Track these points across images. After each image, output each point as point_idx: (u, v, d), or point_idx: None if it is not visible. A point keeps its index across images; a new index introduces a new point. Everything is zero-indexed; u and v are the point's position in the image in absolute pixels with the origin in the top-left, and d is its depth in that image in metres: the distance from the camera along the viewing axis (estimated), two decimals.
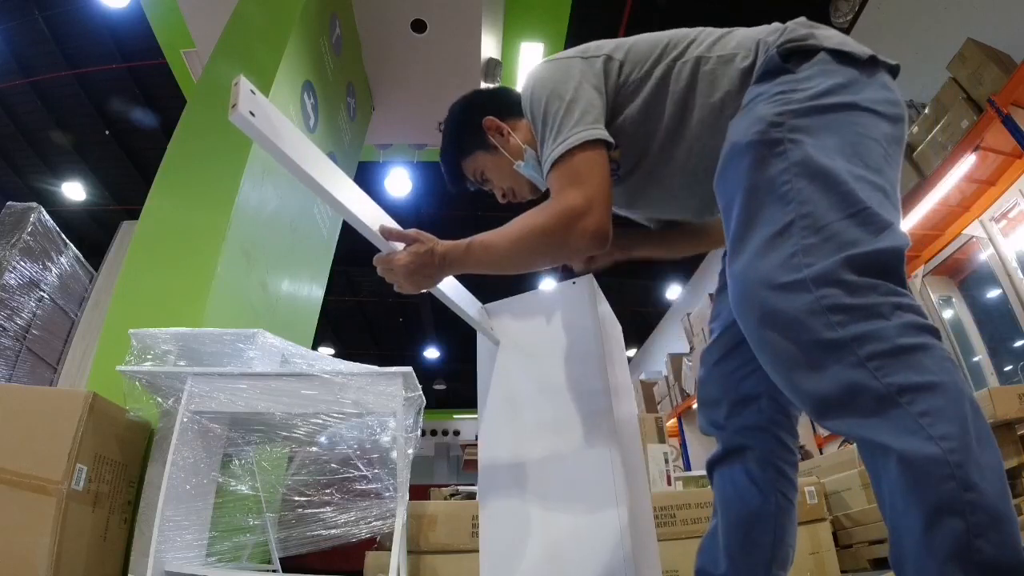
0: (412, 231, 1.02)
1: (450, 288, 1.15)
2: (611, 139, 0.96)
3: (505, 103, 1.18)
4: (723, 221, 0.87)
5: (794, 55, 0.89)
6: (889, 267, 0.73)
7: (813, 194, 0.76)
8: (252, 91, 0.77)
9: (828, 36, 0.92)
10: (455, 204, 6.63)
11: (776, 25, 0.98)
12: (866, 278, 0.71)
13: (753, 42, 0.96)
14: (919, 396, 0.65)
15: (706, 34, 1.02)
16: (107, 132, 6.41)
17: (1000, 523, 0.62)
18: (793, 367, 0.73)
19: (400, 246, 1.02)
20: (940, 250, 3.81)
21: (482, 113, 1.16)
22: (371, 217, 1.00)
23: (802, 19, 0.96)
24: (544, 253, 0.96)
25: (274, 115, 0.81)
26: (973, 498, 0.62)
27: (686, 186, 1.06)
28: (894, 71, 0.92)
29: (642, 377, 7.03)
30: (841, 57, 0.87)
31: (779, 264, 0.74)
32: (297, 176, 0.87)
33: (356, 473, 1.73)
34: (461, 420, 13.25)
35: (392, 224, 1.03)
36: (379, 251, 1.04)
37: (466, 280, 1.21)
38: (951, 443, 0.63)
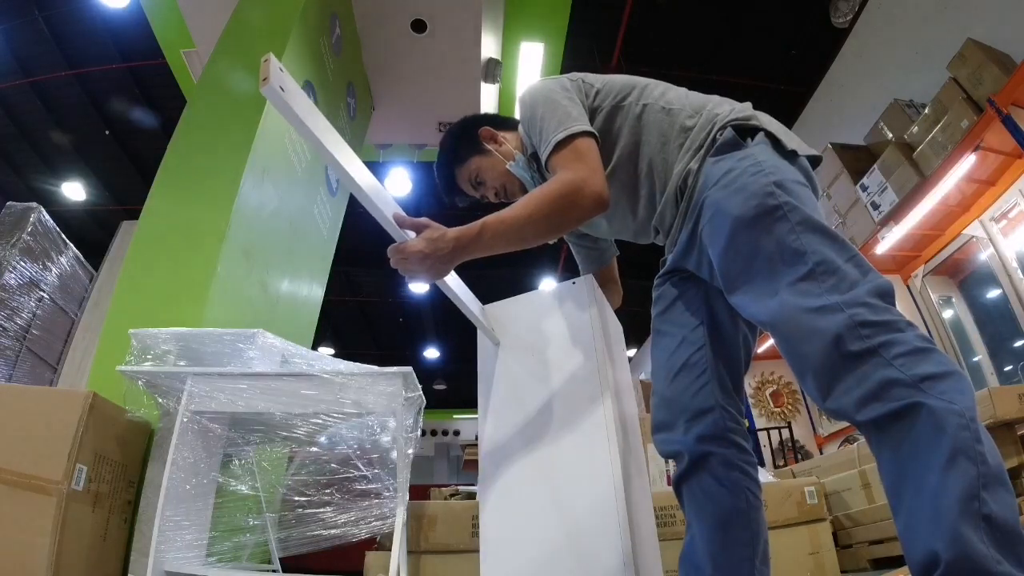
0: (423, 219, 1.05)
1: (455, 284, 1.16)
2: (599, 137, 1.13)
3: (497, 119, 1.38)
4: (732, 279, 1.01)
5: (741, 132, 1.09)
6: (890, 295, 0.89)
7: (820, 245, 0.93)
8: (281, 69, 0.79)
9: (769, 120, 1.13)
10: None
11: (719, 98, 1.19)
12: (880, 301, 0.87)
13: (700, 106, 1.16)
14: (938, 382, 0.79)
15: (664, 87, 1.23)
16: (107, 132, 6.39)
17: (1002, 484, 0.73)
18: (831, 374, 0.85)
19: (412, 235, 1.03)
20: (940, 250, 3.82)
21: (478, 126, 1.33)
22: (385, 204, 1.00)
23: (747, 103, 1.18)
24: (556, 218, 1.06)
25: (299, 93, 0.84)
26: (983, 450, 0.74)
27: (630, 206, 1.23)
28: (814, 161, 1.13)
29: (642, 377, 7.01)
30: (773, 140, 1.08)
31: (815, 296, 0.89)
32: (319, 152, 0.89)
33: (356, 473, 1.73)
34: (461, 420, 13.22)
35: (402, 213, 1.05)
36: (387, 249, 1.04)
37: (466, 280, 1.21)
38: (966, 406, 0.77)
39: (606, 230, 1.35)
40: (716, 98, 1.20)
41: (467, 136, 1.33)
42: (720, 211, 1.02)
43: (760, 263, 0.96)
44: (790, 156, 1.07)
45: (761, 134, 1.08)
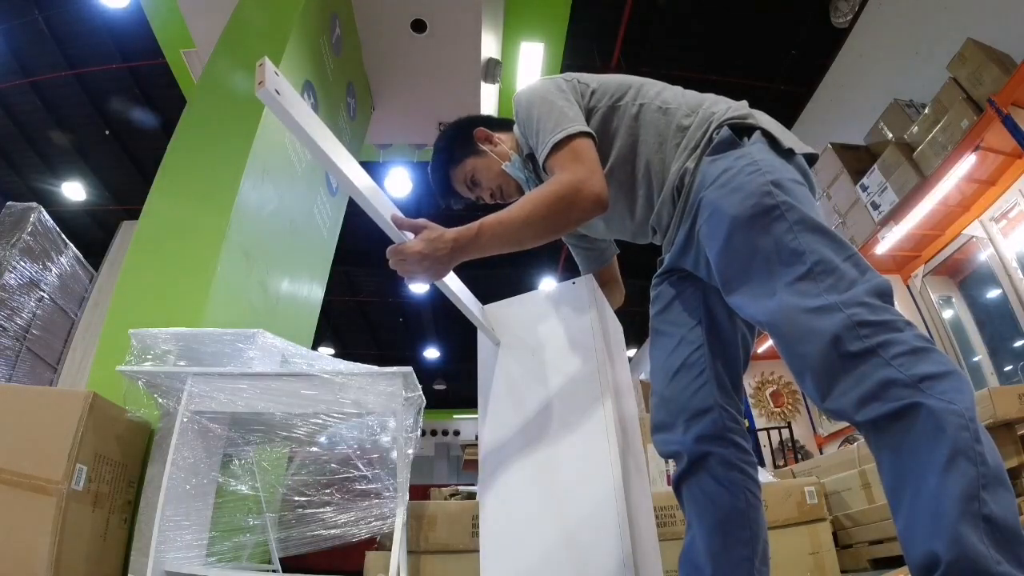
0: (421, 220, 1.04)
1: (454, 285, 1.16)
2: (596, 137, 1.13)
3: (492, 120, 1.37)
4: (730, 279, 1.00)
5: (738, 131, 1.08)
6: (888, 295, 0.89)
7: (817, 244, 0.92)
8: (276, 72, 0.78)
9: (765, 119, 1.12)
10: None
11: (715, 96, 1.18)
12: (878, 301, 0.87)
13: (696, 105, 1.16)
14: (937, 382, 0.78)
15: (660, 87, 1.22)
16: (107, 132, 6.40)
17: (1001, 484, 0.73)
18: (830, 374, 0.85)
19: (410, 236, 1.03)
20: (940, 250, 3.82)
21: (472, 127, 1.32)
22: (383, 205, 1.00)
23: (744, 102, 1.17)
24: (555, 219, 1.06)
25: (295, 96, 0.84)
26: (982, 450, 0.74)
27: (628, 206, 1.23)
28: (811, 159, 1.13)
29: (642, 377, 7.01)
30: (770, 139, 1.07)
31: (813, 296, 0.89)
32: (315, 155, 0.89)
33: (356, 473, 1.73)
34: (461, 420, 13.23)
35: (400, 214, 1.05)
36: (386, 249, 1.04)
37: (465, 280, 1.21)
38: (965, 407, 0.77)
39: (603, 231, 1.34)
40: (712, 96, 1.19)
41: (462, 137, 1.32)
42: (717, 211, 1.02)
43: (758, 263, 0.96)
44: (787, 155, 1.06)
45: (758, 133, 1.08)
